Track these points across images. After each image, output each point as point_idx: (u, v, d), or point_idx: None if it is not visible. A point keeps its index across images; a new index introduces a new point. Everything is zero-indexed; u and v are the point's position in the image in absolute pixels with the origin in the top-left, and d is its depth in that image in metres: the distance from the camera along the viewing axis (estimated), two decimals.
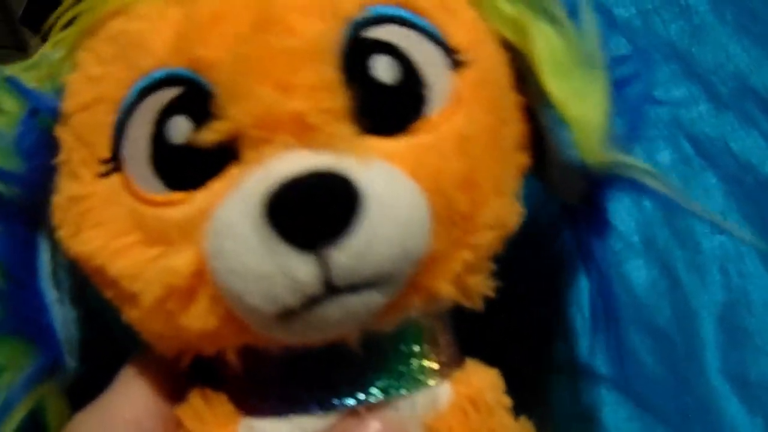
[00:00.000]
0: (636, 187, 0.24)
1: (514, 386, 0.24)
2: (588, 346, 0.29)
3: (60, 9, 0.25)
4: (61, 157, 0.24)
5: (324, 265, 0.19)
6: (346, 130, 0.21)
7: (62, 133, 0.24)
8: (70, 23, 0.25)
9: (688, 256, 0.32)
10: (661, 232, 0.32)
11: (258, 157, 0.20)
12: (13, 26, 0.83)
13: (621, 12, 0.38)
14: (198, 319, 0.21)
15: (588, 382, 0.29)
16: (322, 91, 0.21)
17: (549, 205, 0.28)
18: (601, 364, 0.29)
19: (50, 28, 0.25)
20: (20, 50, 0.27)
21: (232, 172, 0.21)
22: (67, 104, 0.24)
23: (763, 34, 0.37)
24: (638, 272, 0.31)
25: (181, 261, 0.21)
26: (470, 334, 0.25)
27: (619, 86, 0.24)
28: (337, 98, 0.21)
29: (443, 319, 0.25)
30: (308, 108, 0.20)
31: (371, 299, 0.20)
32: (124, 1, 0.23)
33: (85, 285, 0.24)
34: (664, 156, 0.34)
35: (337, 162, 0.20)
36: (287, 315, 0.20)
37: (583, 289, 0.29)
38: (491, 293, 0.23)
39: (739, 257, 0.31)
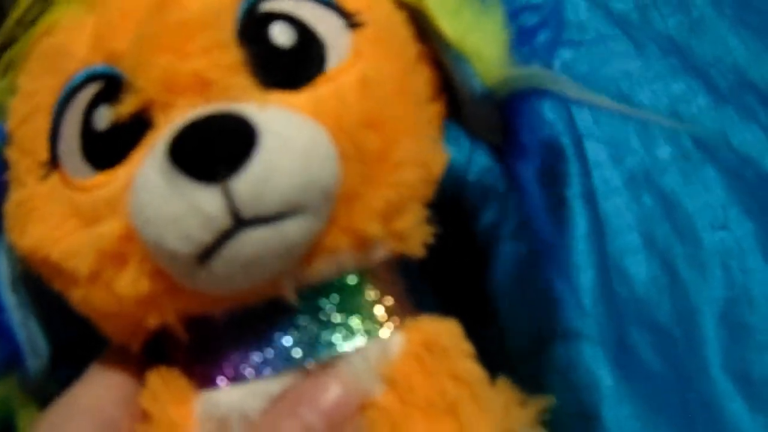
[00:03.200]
0: (541, 95, 0.24)
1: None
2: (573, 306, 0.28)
3: None
4: (11, 173, 0.26)
5: (228, 196, 0.20)
6: (243, 81, 0.22)
7: (9, 151, 0.26)
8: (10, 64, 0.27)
9: (689, 251, 0.31)
10: (661, 228, 0.32)
11: (168, 120, 0.22)
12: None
13: (618, 5, 0.37)
14: (131, 283, 0.22)
15: (587, 379, 0.29)
16: (216, 50, 0.22)
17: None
18: (594, 339, 0.29)
19: None
20: None
21: (148, 139, 0.23)
22: (10, 124, 0.26)
23: (763, 27, 0.37)
24: (638, 268, 0.31)
25: (108, 228, 0.22)
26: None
27: (529, 34, 0.25)
28: (232, 55, 0.22)
29: (391, 270, 0.25)
30: (205, 65, 0.22)
31: (285, 232, 0.21)
32: (49, 21, 0.26)
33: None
34: (664, 150, 0.34)
35: (234, 106, 0.22)
36: (205, 255, 0.21)
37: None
38: (430, 239, 0.24)
39: (740, 253, 0.31)
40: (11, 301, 0.26)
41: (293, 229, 0.21)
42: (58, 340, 0.27)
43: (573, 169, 0.26)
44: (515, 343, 0.30)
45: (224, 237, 0.20)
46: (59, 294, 0.24)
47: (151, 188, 0.21)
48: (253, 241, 0.21)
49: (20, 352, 0.26)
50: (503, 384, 0.24)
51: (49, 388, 0.26)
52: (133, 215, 0.21)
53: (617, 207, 0.32)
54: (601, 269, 0.25)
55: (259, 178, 0.20)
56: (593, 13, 0.37)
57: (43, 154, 0.24)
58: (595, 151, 0.31)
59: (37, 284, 0.26)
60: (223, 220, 0.20)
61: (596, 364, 0.29)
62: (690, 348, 0.30)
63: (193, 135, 0.20)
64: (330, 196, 0.22)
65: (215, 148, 0.20)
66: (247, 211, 0.20)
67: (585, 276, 0.28)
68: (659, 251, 0.31)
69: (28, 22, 0.26)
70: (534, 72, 0.24)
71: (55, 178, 0.24)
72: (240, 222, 0.20)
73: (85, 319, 0.24)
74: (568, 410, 0.29)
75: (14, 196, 0.25)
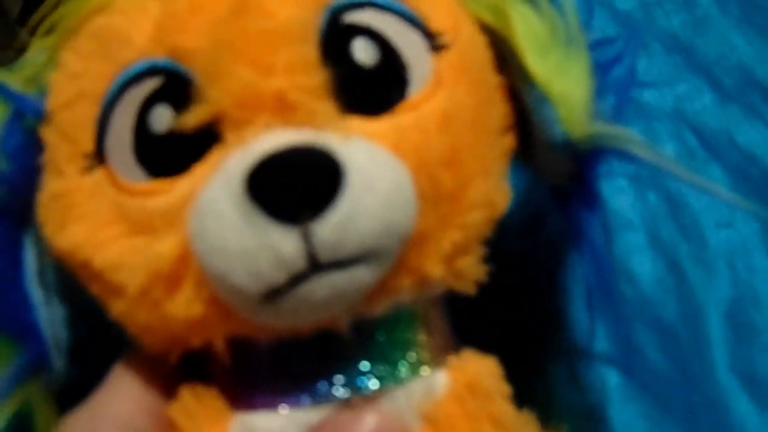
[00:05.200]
0: (623, 157, 0.23)
1: (515, 383, 0.24)
2: (587, 329, 0.28)
3: (41, 12, 0.25)
4: (46, 156, 0.24)
5: (307, 239, 0.19)
6: (326, 107, 0.21)
7: (46, 132, 0.24)
8: (51, 28, 0.25)
9: (695, 250, 0.31)
10: (666, 227, 0.32)
11: (240, 138, 0.20)
12: (9, 27, 0.83)
13: (623, 4, 0.37)
14: (183, 306, 0.21)
15: (594, 380, 0.29)
16: (301, 69, 0.21)
17: (539, 191, 0.28)
18: (602, 347, 0.29)
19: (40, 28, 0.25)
20: (17, 50, 0.27)
21: (215, 156, 0.21)
22: (50, 103, 0.24)
23: (767, 25, 0.37)
24: (644, 267, 0.31)
25: (164, 246, 0.21)
26: (469, 329, 0.24)
27: (603, 68, 0.24)
28: (317, 76, 0.21)
29: (438, 305, 0.24)
30: (288, 86, 0.20)
31: (358, 277, 0.20)
32: None
33: (79, 286, 0.24)
34: (669, 149, 0.33)
35: (318, 137, 0.20)
36: (273, 295, 0.20)
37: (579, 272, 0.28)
38: (484, 278, 0.23)
39: (746, 252, 0.31)
40: (38, 296, 0.25)
41: (366, 274, 0.20)
42: (73, 336, 0.26)
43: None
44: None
45: (296, 280, 0.19)
46: (82, 292, 0.23)
47: (221, 217, 0.19)
48: (325, 285, 0.20)
49: (46, 352, 0.25)
50: (529, 418, 0.23)
51: (61, 385, 0.26)
52: (197, 240, 0.20)
53: (622, 206, 0.32)
54: (595, 250, 0.25)
55: (343, 223, 0.19)
56: (598, 13, 0.37)
57: (88, 144, 0.22)
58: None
59: (57, 279, 0.25)
60: (299, 263, 0.19)
61: (602, 364, 0.29)
62: (696, 348, 0.29)
63: (275, 170, 0.19)
64: (405, 239, 0.21)
65: (300, 189, 0.19)
66: (325, 255, 0.19)
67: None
68: (665, 250, 0.31)
69: None
70: (620, 133, 0.23)
71: (99, 174, 0.22)
72: (315, 265, 0.19)
73: (101, 316, 0.23)
74: (574, 411, 0.29)
75: (51, 186, 0.23)
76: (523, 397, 0.23)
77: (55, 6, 0.25)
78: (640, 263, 0.31)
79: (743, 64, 0.36)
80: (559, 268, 0.29)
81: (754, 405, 0.28)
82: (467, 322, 0.24)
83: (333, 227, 0.19)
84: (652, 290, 0.31)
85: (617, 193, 0.32)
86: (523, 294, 0.30)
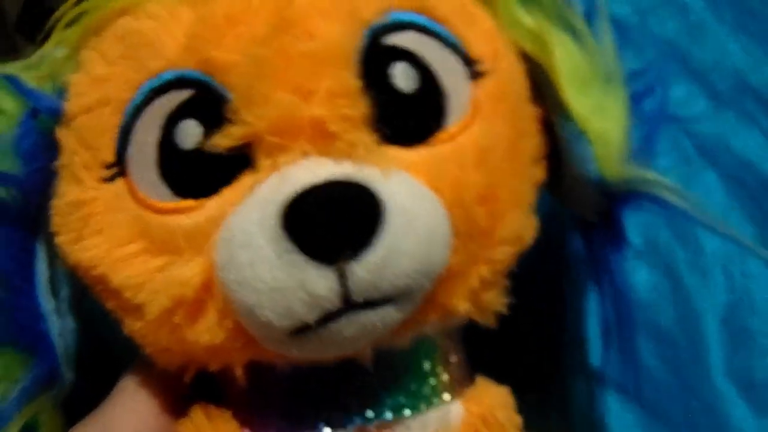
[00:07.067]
0: (653, 201, 0.23)
1: (527, 393, 0.23)
2: (601, 355, 0.28)
3: (64, 6, 0.24)
4: (62, 160, 0.23)
5: (343, 280, 0.18)
6: (365, 138, 0.20)
7: (64, 135, 0.23)
8: (73, 21, 0.24)
9: (691, 257, 0.31)
10: (662, 234, 0.32)
11: (274, 165, 0.20)
12: (6, 32, 0.83)
13: (616, 10, 0.37)
14: (205, 333, 0.20)
15: (596, 389, 0.29)
16: (342, 97, 0.20)
17: (560, 213, 0.28)
18: (611, 370, 0.29)
19: (45, 36, 0.25)
20: (13, 56, 0.27)
21: (246, 180, 0.20)
22: (70, 105, 0.23)
23: (762, 31, 0.37)
24: (640, 274, 0.31)
25: (189, 271, 0.20)
26: (481, 344, 0.24)
27: (634, 101, 0.23)
28: (358, 105, 0.20)
29: (455, 336, 0.24)
30: (328, 114, 0.20)
31: (388, 315, 0.20)
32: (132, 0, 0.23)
33: (81, 295, 0.23)
34: (665, 158, 0.33)
35: (358, 172, 0.19)
36: (301, 331, 0.19)
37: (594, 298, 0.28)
38: (504, 310, 0.23)
39: (741, 258, 0.31)
40: (49, 306, 0.24)
41: (396, 313, 0.20)
42: (81, 346, 0.26)
43: None
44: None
45: (327, 318, 0.19)
46: (85, 301, 0.23)
47: (254, 250, 0.19)
48: (354, 324, 0.19)
49: (57, 365, 0.24)
50: None
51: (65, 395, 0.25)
52: (225, 271, 0.19)
53: (619, 213, 0.32)
54: (615, 287, 0.25)
55: (380, 264, 0.19)
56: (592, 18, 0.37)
57: (109, 154, 0.22)
58: None
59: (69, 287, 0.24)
60: (332, 302, 0.19)
61: (606, 373, 0.29)
62: (693, 354, 0.29)
63: (314, 207, 0.18)
64: (437, 278, 0.20)
65: (339, 229, 0.18)
66: (359, 295, 0.19)
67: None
68: (661, 257, 0.31)
69: None
70: (653, 178, 0.23)
71: (119, 185, 0.22)
72: (348, 305, 0.19)
73: (102, 327, 0.23)
74: (572, 419, 0.29)
75: (68, 194, 0.22)
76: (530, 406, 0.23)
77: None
78: (637, 270, 0.31)
79: (738, 70, 0.36)
80: (574, 290, 0.29)
81: (752, 410, 0.28)
82: (480, 340, 0.24)
83: (370, 268, 0.19)
84: (649, 297, 0.31)
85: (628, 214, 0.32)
86: (534, 313, 0.30)
